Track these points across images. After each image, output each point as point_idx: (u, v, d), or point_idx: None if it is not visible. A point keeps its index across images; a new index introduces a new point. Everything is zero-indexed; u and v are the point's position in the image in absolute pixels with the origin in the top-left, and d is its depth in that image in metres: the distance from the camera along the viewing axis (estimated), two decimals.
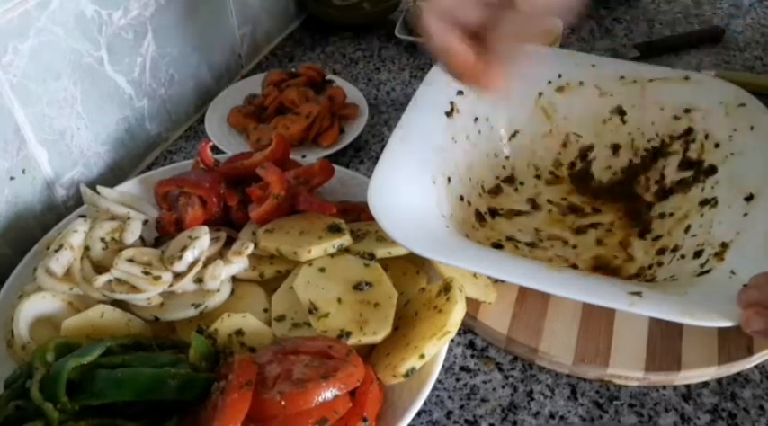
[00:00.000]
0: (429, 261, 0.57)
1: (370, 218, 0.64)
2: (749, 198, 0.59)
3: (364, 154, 0.82)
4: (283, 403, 0.43)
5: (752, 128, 0.64)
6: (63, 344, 0.49)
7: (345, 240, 0.58)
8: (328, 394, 0.44)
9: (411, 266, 0.59)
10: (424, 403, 0.50)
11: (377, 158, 0.80)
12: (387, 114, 0.88)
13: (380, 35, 1.05)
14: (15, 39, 0.59)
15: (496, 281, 0.62)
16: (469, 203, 0.68)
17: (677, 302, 0.49)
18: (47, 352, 0.47)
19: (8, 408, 0.45)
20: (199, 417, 0.45)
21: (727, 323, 0.46)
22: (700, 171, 0.66)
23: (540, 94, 0.74)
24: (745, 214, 0.58)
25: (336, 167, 0.66)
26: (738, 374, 0.57)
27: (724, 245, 0.56)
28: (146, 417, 0.45)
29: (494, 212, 0.70)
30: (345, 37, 1.05)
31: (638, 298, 0.47)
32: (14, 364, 0.51)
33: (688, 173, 0.68)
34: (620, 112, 0.72)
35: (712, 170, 0.65)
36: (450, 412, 0.55)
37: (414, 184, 0.60)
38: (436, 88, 0.69)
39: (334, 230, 0.58)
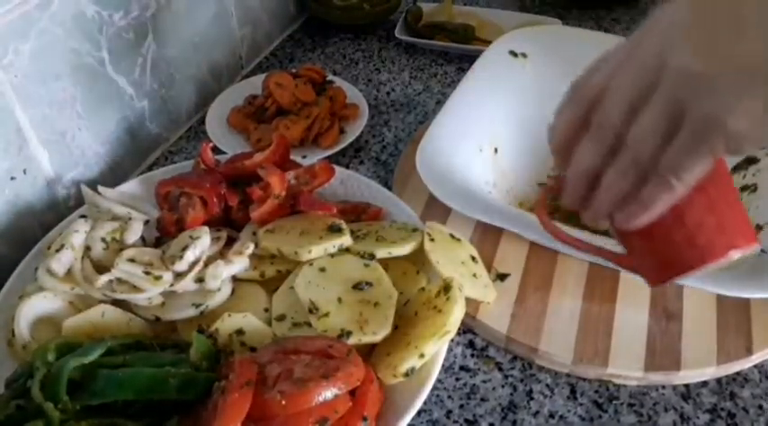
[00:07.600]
0: (429, 261, 0.57)
1: (371, 218, 0.64)
2: None
3: (364, 154, 0.82)
4: (284, 402, 0.43)
5: None
6: (64, 344, 0.49)
7: (345, 240, 0.58)
8: (328, 393, 0.44)
9: (411, 266, 0.59)
10: (424, 403, 0.50)
11: (377, 158, 0.81)
12: (387, 115, 0.88)
13: (380, 36, 1.05)
14: (16, 40, 0.59)
15: (497, 280, 0.62)
16: (515, 176, 0.70)
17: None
18: (48, 352, 0.47)
19: (9, 407, 0.45)
20: (199, 417, 0.45)
21: (751, 295, 0.48)
22: (743, 160, 0.68)
23: None
24: None
25: (337, 167, 0.66)
26: (737, 373, 0.57)
27: (758, 227, 0.57)
28: (146, 417, 0.45)
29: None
30: (345, 38, 1.05)
31: None
32: (15, 363, 0.51)
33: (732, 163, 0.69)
34: None
35: (755, 159, 0.66)
36: (449, 412, 0.55)
37: (460, 149, 0.62)
38: (493, 64, 0.71)
39: (335, 230, 0.59)
